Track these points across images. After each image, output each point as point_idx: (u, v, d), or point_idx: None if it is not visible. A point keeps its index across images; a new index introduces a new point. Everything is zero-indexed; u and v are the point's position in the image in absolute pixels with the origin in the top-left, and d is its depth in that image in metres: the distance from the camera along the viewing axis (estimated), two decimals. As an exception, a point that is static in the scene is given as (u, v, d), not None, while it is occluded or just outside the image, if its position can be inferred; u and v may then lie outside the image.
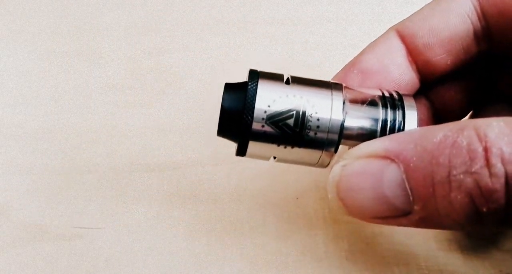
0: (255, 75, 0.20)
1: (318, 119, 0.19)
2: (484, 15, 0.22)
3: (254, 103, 0.19)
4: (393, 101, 0.21)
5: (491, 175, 0.15)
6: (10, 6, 0.37)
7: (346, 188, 0.18)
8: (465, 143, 0.16)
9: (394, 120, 0.20)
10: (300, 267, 0.23)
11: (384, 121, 0.20)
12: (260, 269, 0.23)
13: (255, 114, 0.19)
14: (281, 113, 0.19)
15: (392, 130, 0.20)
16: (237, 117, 0.19)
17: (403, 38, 0.23)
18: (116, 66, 0.34)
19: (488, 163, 0.15)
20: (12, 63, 0.34)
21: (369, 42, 0.24)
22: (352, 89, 0.21)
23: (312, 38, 0.36)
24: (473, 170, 0.15)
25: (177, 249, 0.25)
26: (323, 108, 0.19)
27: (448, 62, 0.23)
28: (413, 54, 0.23)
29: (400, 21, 0.23)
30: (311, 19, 0.37)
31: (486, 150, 0.15)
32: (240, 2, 0.38)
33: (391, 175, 0.17)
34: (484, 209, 0.15)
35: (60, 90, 0.32)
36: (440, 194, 0.16)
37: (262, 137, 0.19)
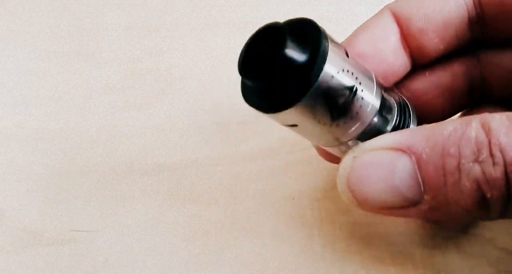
0: (323, 35, 0.17)
1: (360, 106, 0.18)
2: (479, 1, 0.22)
3: (321, 69, 0.17)
4: (400, 101, 0.21)
5: (494, 163, 0.16)
6: (10, 6, 0.38)
7: (357, 180, 0.19)
8: (473, 135, 0.16)
9: (404, 120, 0.20)
10: (297, 268, 0.23)
11: (397, 120, 0.20)
12: (258, 269, 0.24)
13: (319, 81, 0.17)
14: (337, 89, 0.17)
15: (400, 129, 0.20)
16: (299, 74, 0.17)
17: (398, 21, 0.22)
18: (116, 66, 0.34)
19: (491, 153, 0.16)
20: (12, 63, 0.34)
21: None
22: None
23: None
24: (480, 159, 0.16)
25: (176, 250, 0.25)
26: (369, 94, 0.18)
27: (441, 48, 0.23)
28: (407, 38, 0.22)
29: (395, 1, 0.23)
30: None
31: (490, 141, 0.16)
32: (240, 2, 0.38)
33: (403, 166, 0.17)
34: (489, 195, 0.16)
35: (60, 91, 0.32)
36: (451, 183, 0.17)
37: (308, 106, 0.17)
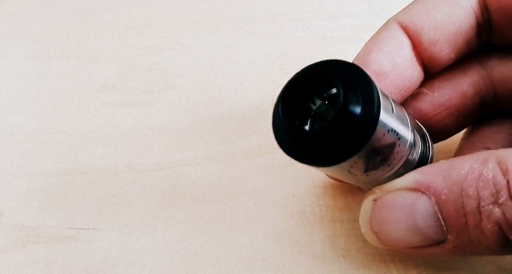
0: (375, 87, 0.16)
1: (394, 158, 0.18)
2: (486, 7, 0.21)
3: (375, 128, 0.15)
4: (419, 129, 0.20)
5: None
6: (9, 6, 0.38)
7: (379, 222, 0.19)
8: (490, 176, 0.16)
9: (426, 147, 0.20)
10: (297, 266, 0.23)
11: (421, 149, 0.20)
12: (258, 268, 0.23)
13: (369, 143, 0.16)
14: (380, 147, 0.16)
15: (424, 163, 0.20)
16: (352, 129, 0.15)
17: (407, 32, 0.22)
18: (115, 65, 0.34)
19: (510, 195, 0.16)
20: (11, 63, 0.34)
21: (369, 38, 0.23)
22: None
23: (313, 36, 0.36)
24: (500, 201, 0.16)
25: (175, 249, 0.24)
26: (403, 146, 0.18)
27: (452, 56, 0.22)
28: (418, 49, 0.22)
29: (400, 12, 0.22)
30: (311, 18, 0.37)
31: (508, 182, 0.16)
32: (239, 2, 0.38)
33: (423, 206, 0.17)
34: (511, 237, 0.16)
35: (59, 90, 0.32)
36: (472, 224, 0.17)
37: (348, 163, 0.16)
